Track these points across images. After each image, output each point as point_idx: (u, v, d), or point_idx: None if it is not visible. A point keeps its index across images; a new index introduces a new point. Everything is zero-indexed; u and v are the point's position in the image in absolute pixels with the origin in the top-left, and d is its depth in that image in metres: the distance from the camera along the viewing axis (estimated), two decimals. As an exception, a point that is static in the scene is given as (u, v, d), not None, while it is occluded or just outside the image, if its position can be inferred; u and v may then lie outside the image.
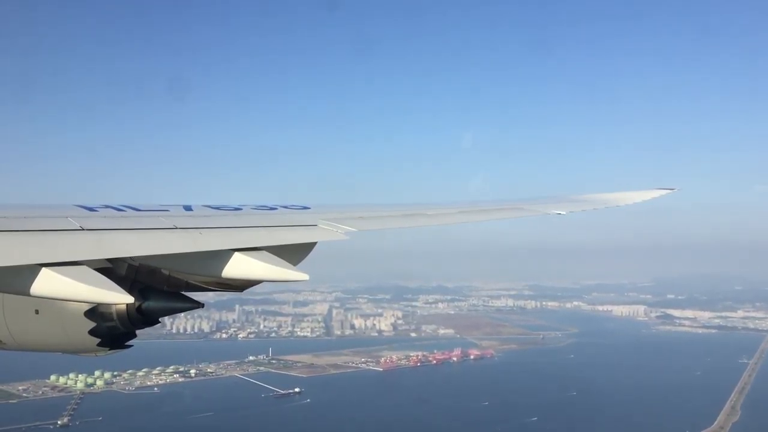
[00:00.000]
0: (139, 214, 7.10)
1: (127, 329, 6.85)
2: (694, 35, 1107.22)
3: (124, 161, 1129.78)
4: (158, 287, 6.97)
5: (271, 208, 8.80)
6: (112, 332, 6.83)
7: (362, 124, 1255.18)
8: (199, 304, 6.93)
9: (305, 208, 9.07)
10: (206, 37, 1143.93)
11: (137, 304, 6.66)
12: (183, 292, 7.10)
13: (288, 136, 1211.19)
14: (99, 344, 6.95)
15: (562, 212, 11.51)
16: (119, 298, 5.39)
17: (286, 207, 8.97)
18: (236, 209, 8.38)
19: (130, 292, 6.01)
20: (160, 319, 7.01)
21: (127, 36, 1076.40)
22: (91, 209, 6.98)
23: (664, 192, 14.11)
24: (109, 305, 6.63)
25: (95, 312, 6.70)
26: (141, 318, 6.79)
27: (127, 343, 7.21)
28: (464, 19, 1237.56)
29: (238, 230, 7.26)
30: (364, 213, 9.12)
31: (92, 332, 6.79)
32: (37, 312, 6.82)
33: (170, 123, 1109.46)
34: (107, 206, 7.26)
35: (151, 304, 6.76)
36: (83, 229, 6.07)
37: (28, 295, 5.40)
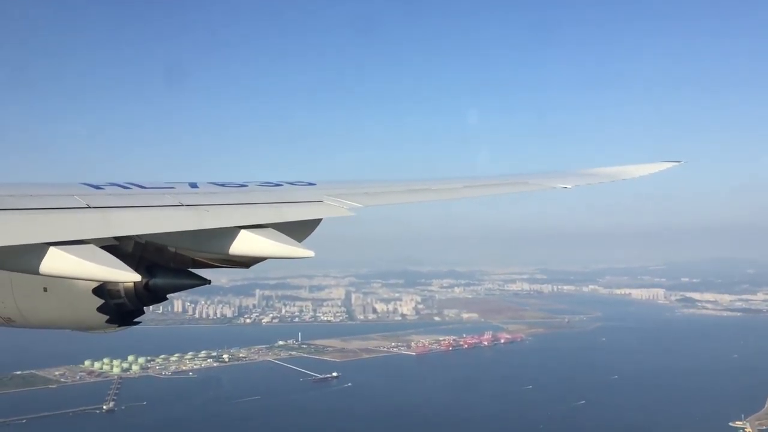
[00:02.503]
0: (144, 192, 7.10)
1: (135, 306, 6.95)
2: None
3: (131, 142, 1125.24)
4: (165, 264, 7.02)
5: (277, 185, 8.78)
6: (120, 309, 6.94)
7: (368, 104, 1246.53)
8: (205, 281, 6.97)
9: (311, 184, 9.07)
10: (211, 22, 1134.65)
11: (144, 281, 6.73)
12: (190, 269, 7.13)
13: (293, 116, 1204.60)
14: (107, 321, 7.04)
15: (567, 186, 11.32)
16: (127, 276, 5.36)
17: (291, 183, 8.96)
18: (241, 186, 8.35)
19: (137, 269, 6.02)
20: (168, 296, 7.05)
21: (131, 18, 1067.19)
22: (96, 187, 6.93)
23: (670, 165, 13.99)
24: (116, 283, 6.71)
25: (103, 289, 6.80)
26: (148, 295, 6.87)
27: (135, 320, 7.25)
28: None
29: (244, 207, 7.26)
30: (370, 189, 9.09)
31: (100, 309, 6.90)
32: (45, 290, 6.92)
33: (168, 108, 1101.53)
34: (113, 184, 7.24)
35: (158, 281, 6.83)
36: (89, 207, 6.03)
37: (37, 273, 5.39)
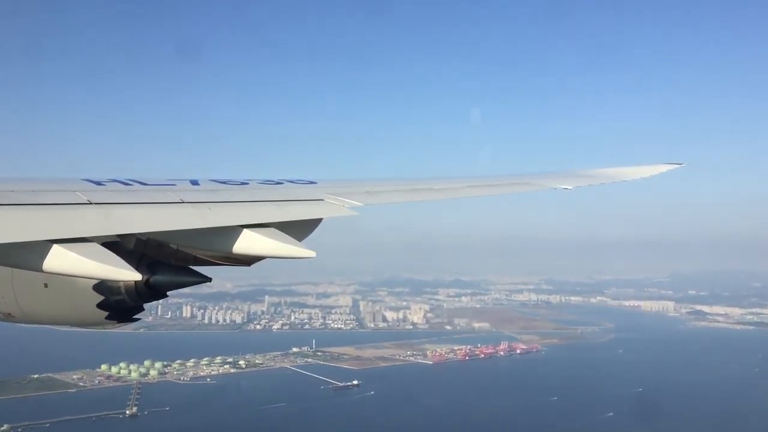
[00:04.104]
0: (146, 188, 7.16)
1: (135, 303, 6.95)
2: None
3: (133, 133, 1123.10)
4: (166, 261, 6.99)
5: (278, 183, 8.81)
6: (120, 306, 6.94)
7: (370, 99, 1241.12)
8: (206, 278, 6.95)
9: (311, 182, 9.11)
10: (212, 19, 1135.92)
11: (145, 278, 6.69)
12: (191, 267, 7.11)
13: (291, 111, 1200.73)
14: (107, 318, 7.04)
15: (568, 187, 11.43)
16: (128, 275, 5.44)
17: (292, 181, 8.99)
18: (242, 183, 8.40)
19: (138, 266, 6.21)
20: (168, 293, 7.06)
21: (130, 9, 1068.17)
22: (98, 183, 6.97)
23: (671, 167, 13.97)
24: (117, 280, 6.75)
25: (103, 286, 6.79)
26: (149, 292, 6.85)
27: (134, 317, 7.30)
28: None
29: (245, 205, 7.33)
30: (371, 187, 9.09)
31: (100, 306, 6.90)
32: (46, 285, 6.92)
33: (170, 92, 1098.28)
34: (114, 180, 7.28)
35: (159, 278, 6.78)
36: (91, 203, 6.09)
37: (37, 270, 5.47)
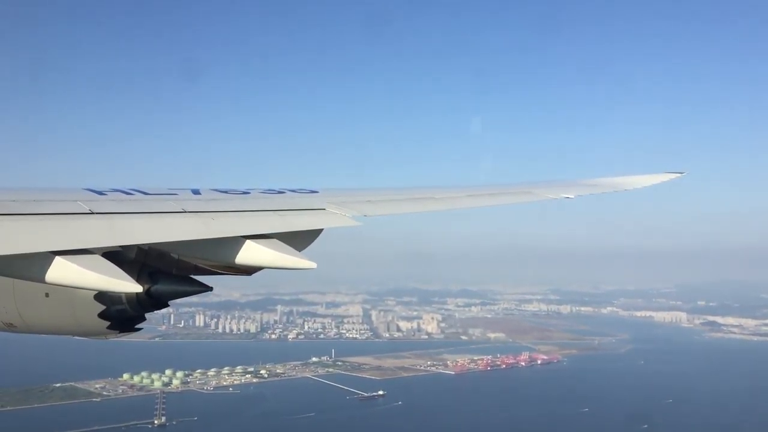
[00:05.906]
0: (147, 198, 7.14)
1: (136, 312, 6.94)
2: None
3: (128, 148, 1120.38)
4: (167, 271, 6.98)
5: (279, 192, 8.80)
6: (121, 315, 6.92)
7: (369, 107, 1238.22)
8: (207, 288, 6.93)
9: (313, 191, 9.07)
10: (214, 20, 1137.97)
11: (146, 287, 6.72)
12: (192, 276, 7.09)
13: (293, 120, 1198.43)
14: (108, 327, 7.00)
15: (570, 196, 11.42)
16: (129, 287, 5.49)
17: (293, 191, 8.96)
18: (244, 193, 8.37)
19: (139, 275, 6.43)
20: (169, 303, 7.04)
21: (133, 18, 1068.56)
22: (99, 192, 6.96)
23: (672, 176, 13.96)
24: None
25: (105, 295, 6.78)
26: (150, 301, 6.84)
27: (136, 326, 7.26)
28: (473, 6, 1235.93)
29: (247, 214, 7.29)
30: (372, 197, 9.06)
31: (102, 315, 6.88)
32: (47, 295, 6.88)
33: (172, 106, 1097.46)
34: (116, 190, 7.26)
35: (160, 287, 6.79)
36: (93, 213, 6.09)
37: (38, 281, 5.51)
